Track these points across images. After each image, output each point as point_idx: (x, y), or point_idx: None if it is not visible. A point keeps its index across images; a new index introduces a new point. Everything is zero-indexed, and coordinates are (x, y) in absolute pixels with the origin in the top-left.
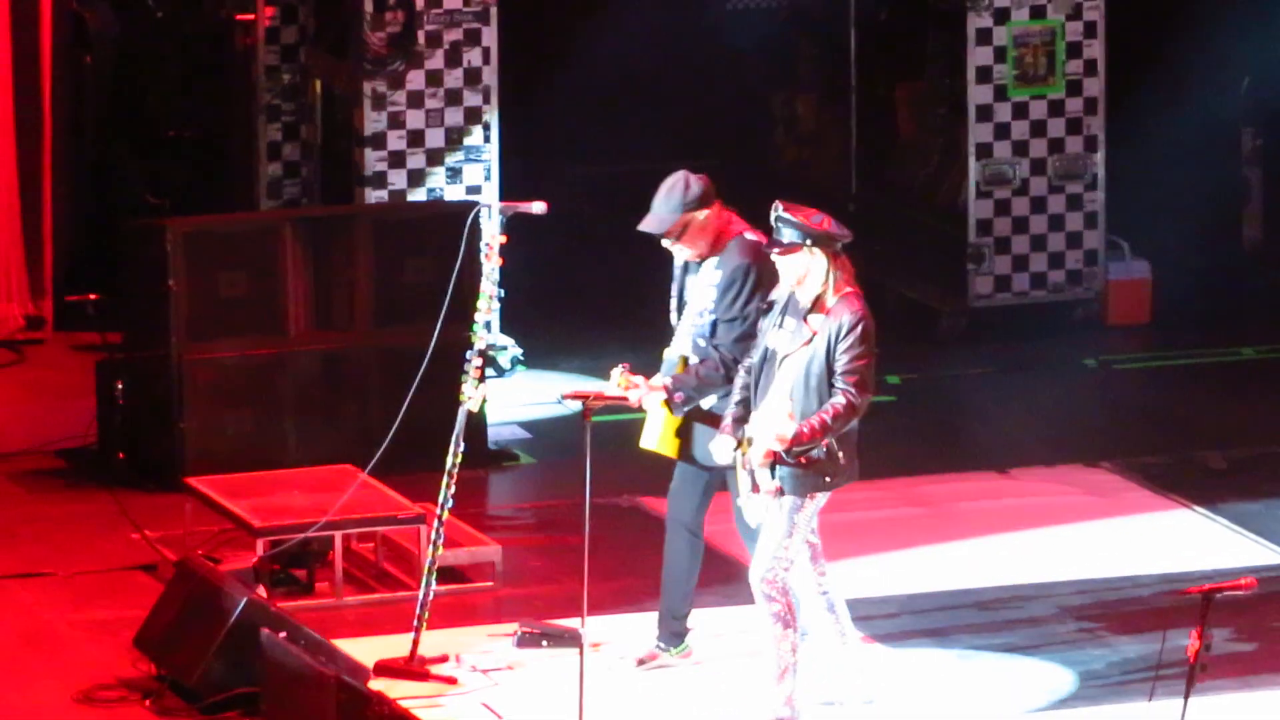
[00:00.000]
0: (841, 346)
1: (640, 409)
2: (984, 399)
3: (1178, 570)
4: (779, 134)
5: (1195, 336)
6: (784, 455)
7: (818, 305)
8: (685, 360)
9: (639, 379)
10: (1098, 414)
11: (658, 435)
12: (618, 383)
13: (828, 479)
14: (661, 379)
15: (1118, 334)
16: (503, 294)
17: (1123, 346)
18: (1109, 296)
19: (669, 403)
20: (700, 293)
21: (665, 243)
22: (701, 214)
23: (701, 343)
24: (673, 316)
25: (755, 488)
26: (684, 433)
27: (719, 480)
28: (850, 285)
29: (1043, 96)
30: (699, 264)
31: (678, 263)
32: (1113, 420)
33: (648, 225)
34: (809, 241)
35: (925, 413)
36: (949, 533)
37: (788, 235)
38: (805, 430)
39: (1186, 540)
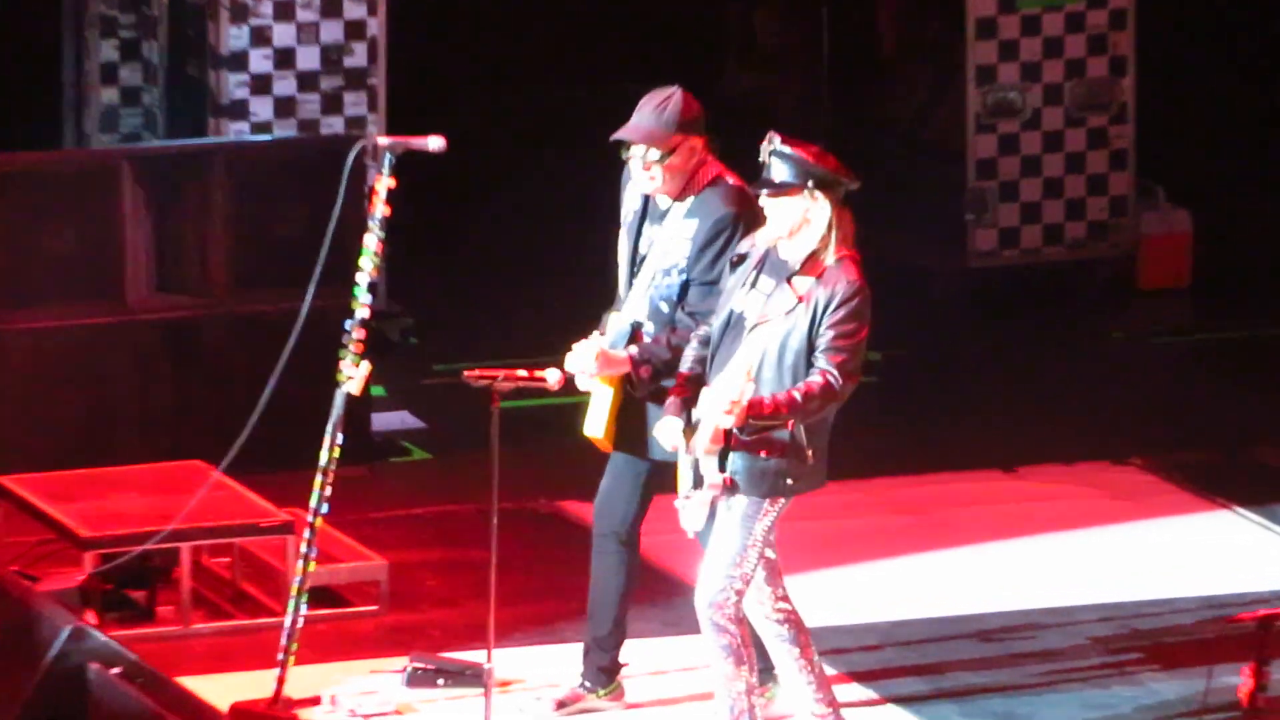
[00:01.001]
0: (831, 319)
1: (556, 392)
2: (986, 381)
3: (1225, 592)
4: (732, 56)
5: (1245, 304)
6: (737, 434)
7: (810, 266)
8: (638, 329)
9: (590, 345)
10: (1126, 399)
11: (604, 420)
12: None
13: (789, 481)
14: (625, 349)
15: (1151, 301)
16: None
17: (1157, 316)
18: (1141, 255)
19: (632, 378)
20: (669, 245)
21: (640, 162)
22: (689, 142)
23: (665, 307)
24: (621, 271)
25: (698, 483)
26: (623, 415)
27: (659, 478)
28: (849, 248)
29: (1059, 9)
30: (664, 209)
31: (631, 203)
32: (1145, 407)
33: (633, 134)
34: (811, 183)
35: (913, 397)
36: (942, 545)
37: (783, 173)
38: (767, 401)
39: (1235, 554)
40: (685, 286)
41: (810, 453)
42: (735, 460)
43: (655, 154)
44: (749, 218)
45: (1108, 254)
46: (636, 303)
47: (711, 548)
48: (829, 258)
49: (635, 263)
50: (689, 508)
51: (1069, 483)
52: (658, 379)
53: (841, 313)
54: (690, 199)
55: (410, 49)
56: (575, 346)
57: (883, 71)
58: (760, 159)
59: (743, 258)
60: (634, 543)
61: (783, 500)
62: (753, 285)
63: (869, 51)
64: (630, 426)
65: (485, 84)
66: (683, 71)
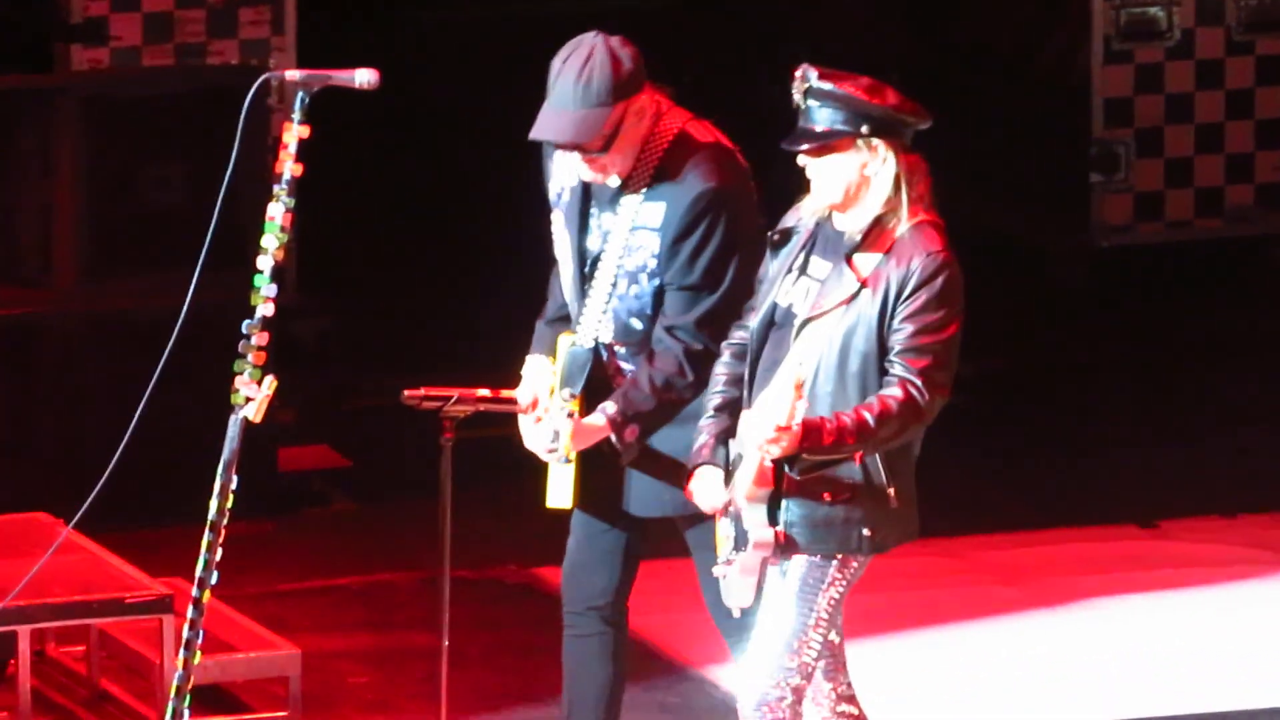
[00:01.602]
0: (908, 307)
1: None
2: (1116, 402)
3: None
4: None
5: None
6: (789, 472)
7: (876, 238)
8: (602, 354)
9: (538, 376)
10: None
11: (571, 484)
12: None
13: (866, 532)
14: (598, 414)
15: None
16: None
17: None
18: None
19: (616, 444)
20: (631, 240)
21: (578, 160)
22: (636, 103)
23: (638, 324)
24: (565, 280)
25: (741, 543)
26: (589, 463)
27: (645, 533)
28: (927, 210)
29: None
30: (615, 189)
31: (563, 177)
32: None
33: (557, 133)
34: (866, 128)
35: (1017, 423)
36: (1057, 625)
37: (825, 119)
38: (829, 425)
39: None
40: (660, 294)
41: (892, 492)
42: (790, 508)
43: (588, 155)
44: (736, 187)
45: None
46: (596, 320)
47: (761, 629)
48: (901, 225)
49: (584, 264)
50: (733, 577)
51: (1230, 542)
52: (648, 436)
53: (923, 297)
54: (650, 176)
55: None
56: (521, 389)
57: None
58: (793, 103)
59: (786, 235)
60: (621, 621)
61: (857, 562)
62: (802, 270)
63: None
64: (599, 476)
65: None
66: None
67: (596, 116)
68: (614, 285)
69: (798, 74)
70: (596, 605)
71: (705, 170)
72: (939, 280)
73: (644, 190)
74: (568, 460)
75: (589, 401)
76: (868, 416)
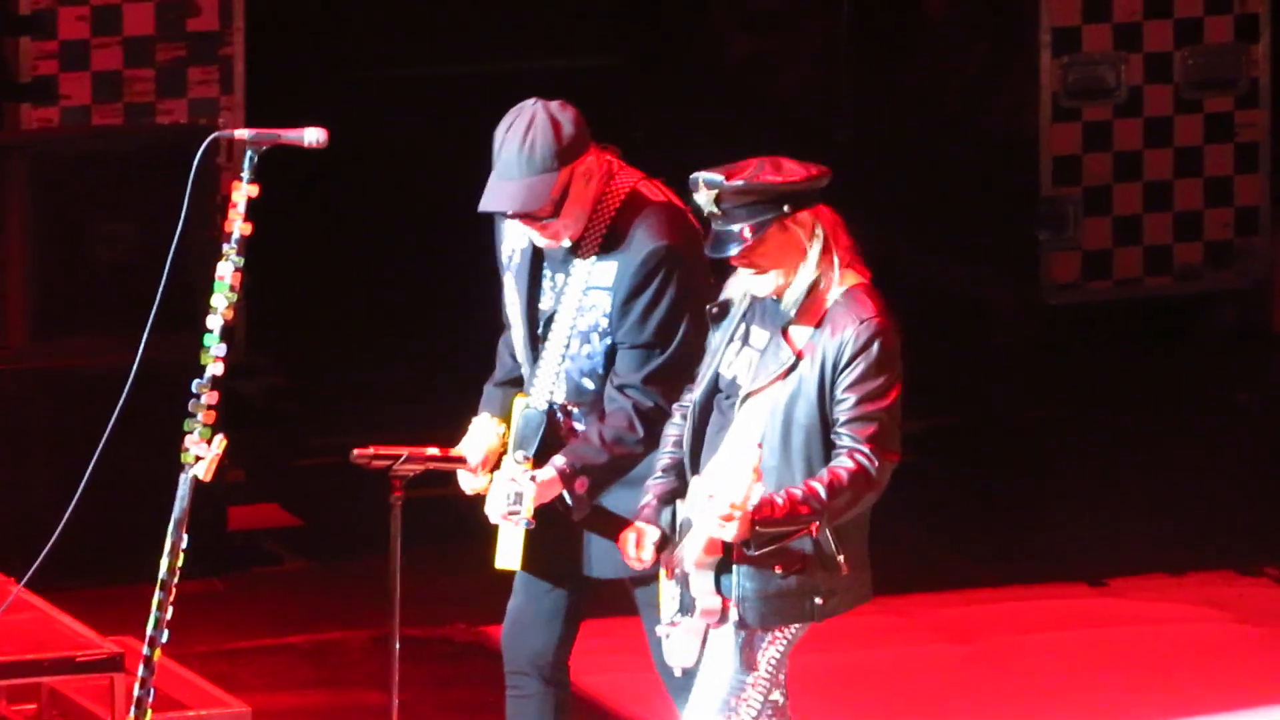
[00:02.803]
0: (848, 378)
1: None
2: (1066, 460)
3: None
4: (721, 14)
5: None
6: (744, 549)
7: (808, 306)
8: (556, 415)
9: (483, 436)
10: (1256, 487)
11: (519, 544)
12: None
13: (818, 601)
14: (549, 467)
15: None
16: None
17: None
18: (1278, 288)
19: (569, 501)
20: (583, 300)
21: (528, 228)
22: (582, 165)
23: (590, 384)
24: (517, 342)
25: (687, 608)
26: (540, 521)
27: (588, 595)
28: (857, 268)
29: None
30: (570, 251)
31: (514, 239)
32: None
33: (506, 203)
34: (787, 207)
35: (966, 483)
36: (1008, 689)
37: (745, 216)
38: (780, 502)
39: None
40: (613, 353)
41: (843, 560)
42: (742, 583)
43: (538, 222)
44: (687, 246)
45: (1231, 286)
46: (549, 380)
47: (699, 687)
48: (832, 289)
49: (537, 325)
50: (677, 637)
51: (1179, 600)
52: (598, 492)
53: (860, 366)
54: (602, 235)
55: (279, 6)
56: (467, 446)
57: (925, 35)
58: (703, 214)
59: (725, 307)
60: (562, 680)
61: (798, 625)
62: (744, 340)
63: (905, 6)
64: (546, 535)
65: (383, 55)
66: (654, 39)
67: (543, 183)
68: (567, 345)
69: (699, 185)
70: (538, 665)
71: (657, 229)
72: (874, 346)
73: (596, 250)
74: (529, 524)
75: (541, 461)
76: (819, 488)
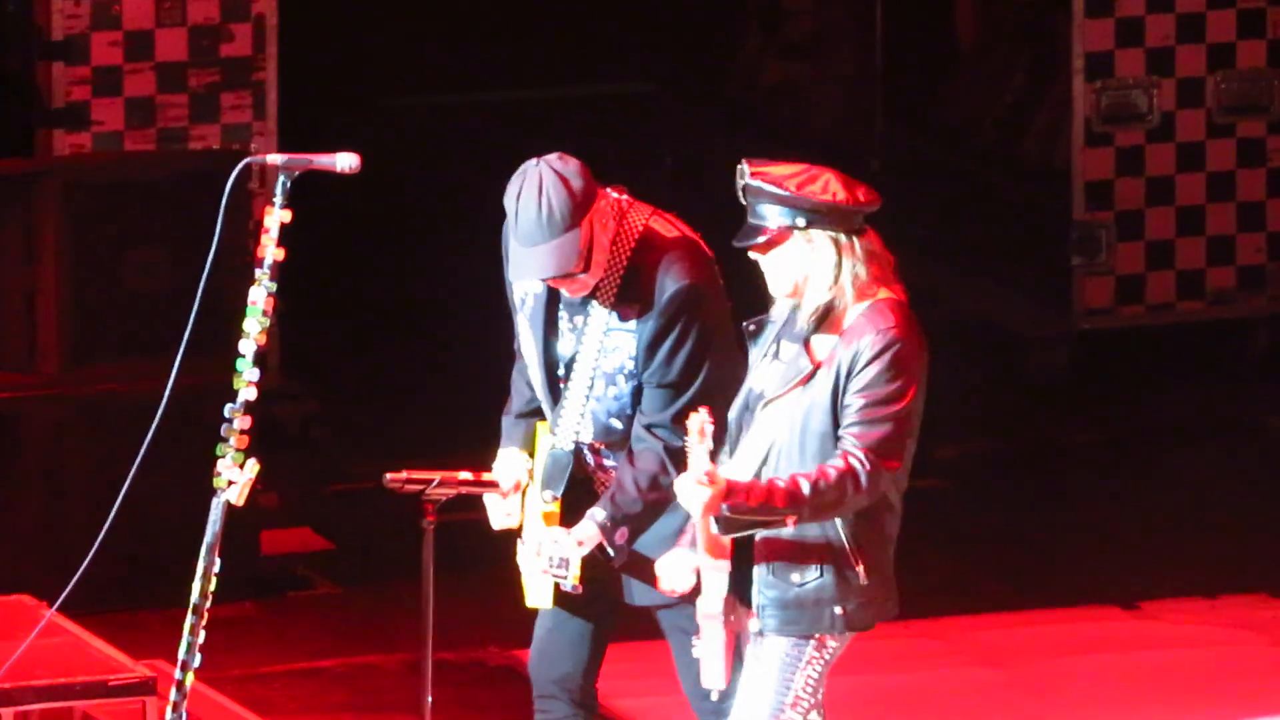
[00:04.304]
0: (858, 383)
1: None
2: (1098, 485)
3: None
4: (755, 41)
5: None
6: (714, 530)
7: (829, 321)
8: (583, 454)
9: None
10: None
11: (550, 588)
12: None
13: (840, 611)
14: (588, 521)
15: None
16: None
17: None
18: None
19: (610, 553)
20: (606, 342)
21: (561, 286)
22: (597, 213)
23: (619, 424)
24: (536, 383)
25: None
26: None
27: (616, 618)
28: (888, 285)
29: None
30: (588, 294)
31: (530, 289)
32: None
33: (540, 270)
34: (801, 221)
35: (997, 509)
36: (1042, 712)
37: (764, 216)
38: (759, 488)
39: None
40: (639, 392)
41: (861, 569)
42: (762, 589)
43: (579, 270)
44: (707, 281)
45: (1265, 311)
46: (574, 421)
47: (737, 711)
48: (852, 309)
49: (555, 367)
50: (706, 656)
51: (1213, 624)
52: (637, 537)
53: (872, 371)
54: (620, 276)
55: (311, 33)
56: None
57: (958, 62)
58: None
59: (760, 324)
60: (590, 703)
61: (835, 640)
62: (775, 355)
63: (941, 37)
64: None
65: (415, 82)
66: (683, 66)
67: (569, 242)
68: (590, 387)
69: (738, 171)
70: (566, 688)
71: (679, 270)
72: (888, 354)
73: (615, 291)
74: (576, 588)
75: (570, 497)
76: (802, 483)
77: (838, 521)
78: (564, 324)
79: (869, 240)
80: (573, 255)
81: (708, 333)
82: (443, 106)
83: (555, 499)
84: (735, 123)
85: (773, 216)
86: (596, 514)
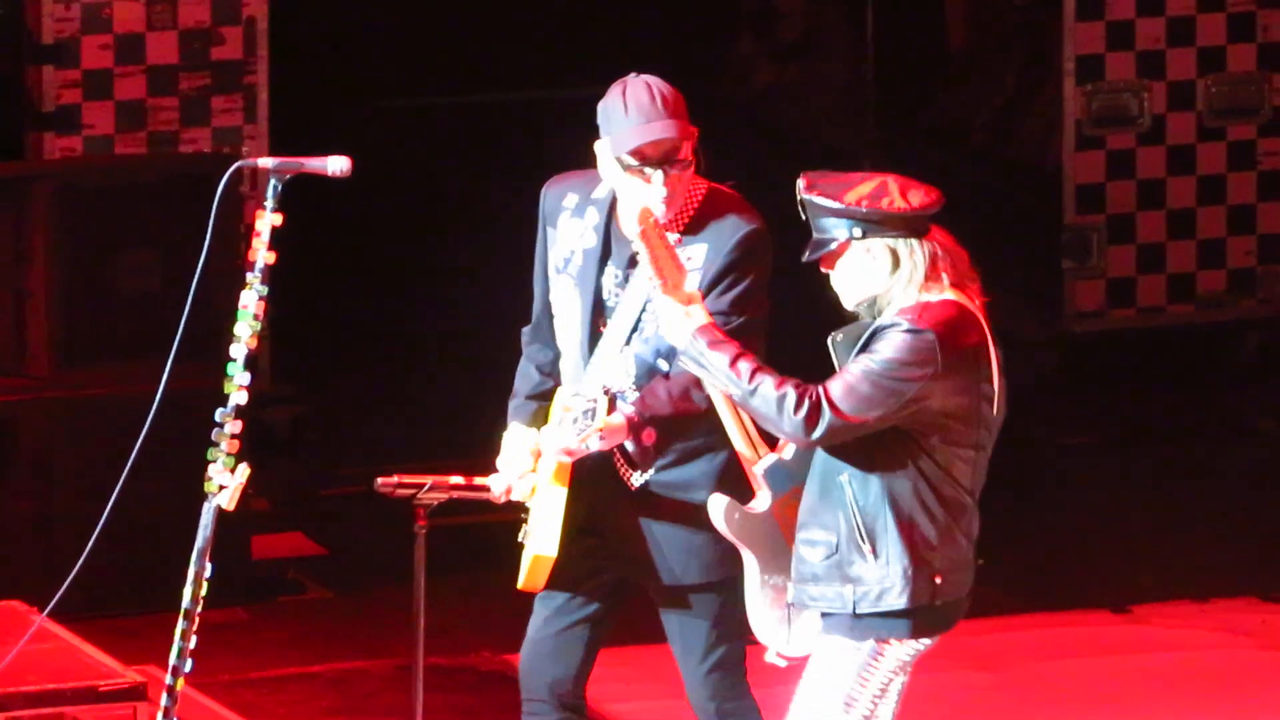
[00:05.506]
0: (860, 355)
1: (502, 505)
2: (1088, 487)
3: None
4: (747, 43)
5: None
6: (625, 453)
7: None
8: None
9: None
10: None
11: (558, 532)
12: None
13: (854, 590)
14: (617, 414)
15: None
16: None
17: None
18: None
19: (632, 452)
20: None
21: (655, 182)
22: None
23: (664, 365)
24: (570, 342)
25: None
26: (575, 519)
27: (609, 622)
28: (960, 286)
29: None
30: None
31: (577, 241)
32: None
33: (663, 131)
34: (857, 231)
35: (989, 508)
36: (1032, 715)
37: (825, 228)
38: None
39: None
40: None
41: (868, 548)
42: (796, 565)
43: (686, 154)
44: (768, 238)
45: (1256, 314)
46: (609, 367)
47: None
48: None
49: (602, 318)
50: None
51: (1203, 627)
52: (663, 448)
53: (874, 346)
54: (686, 222)
55: (302, 35)
56: (502, 460)
57: (949, 64)
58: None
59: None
60: (579, 706)
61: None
62: None
63: (932, 39)
64: (572, 549)
65: (406, 85)
66: (677, 68)
67: (684, 124)
68: (632, 333)
69: (797, 186)
70: (556, 692)
71: (747, 215)
72: (895, 335)
73: (680, 234)
74: (599, 438)
75: (590, 494)
76: (760, 376)
77: (855, 502)
78: (610, 281)
79: (933, 241)
80: (688, 129)
81: (763, 279)
82: (435, 108)
83: (568, 452)
84: (727, 125)
85: (831, 229)
86: (625, 408)
